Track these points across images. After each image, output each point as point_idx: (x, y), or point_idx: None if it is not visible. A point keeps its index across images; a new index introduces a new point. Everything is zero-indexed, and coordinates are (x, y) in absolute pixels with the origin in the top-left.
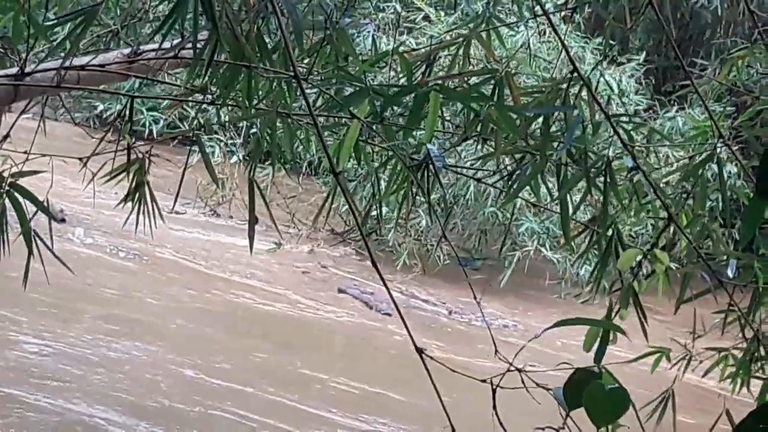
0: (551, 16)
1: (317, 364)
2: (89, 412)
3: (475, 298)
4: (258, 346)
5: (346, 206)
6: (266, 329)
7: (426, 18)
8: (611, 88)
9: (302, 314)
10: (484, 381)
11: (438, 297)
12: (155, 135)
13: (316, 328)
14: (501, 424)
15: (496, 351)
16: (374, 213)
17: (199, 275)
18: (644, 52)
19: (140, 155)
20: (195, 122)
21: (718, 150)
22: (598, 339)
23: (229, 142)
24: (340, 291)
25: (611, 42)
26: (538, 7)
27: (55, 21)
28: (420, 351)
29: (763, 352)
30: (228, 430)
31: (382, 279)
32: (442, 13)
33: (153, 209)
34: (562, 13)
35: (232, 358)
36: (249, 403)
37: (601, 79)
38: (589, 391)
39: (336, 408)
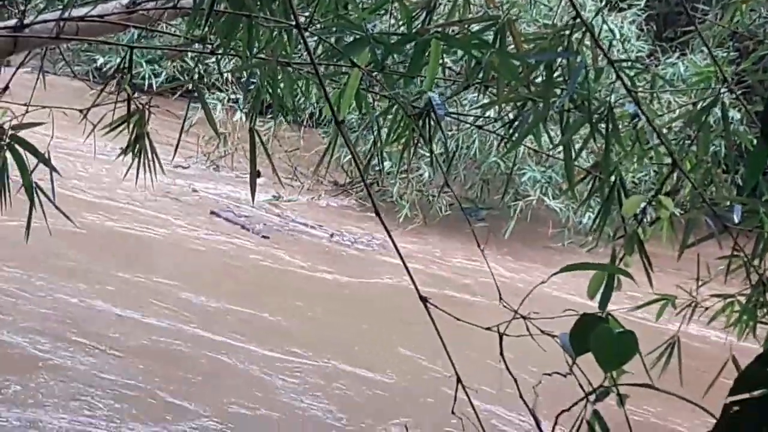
0: None
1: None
2: None
3: (478, 245)
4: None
5: (348, 157)
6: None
7: None
8: (613, 33)
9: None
10: (489, 329)
11: (320, 222)
12: (155, 88)
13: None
14: (508, 370)
15: (501, 298)
16: (375, 163)
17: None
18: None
19: (140, 106)
20: (196, 74)
21: (722, 95)
22: (603, 285)
23: (232, 97)
24: (212, 213)
25: None
26: None
27: None
28: (424, 300)
29: (767, 299)
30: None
31: (386, 228)
32: None
33: (153, 161)
34: None
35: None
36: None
37: (603, 25)
38: (597, 334)
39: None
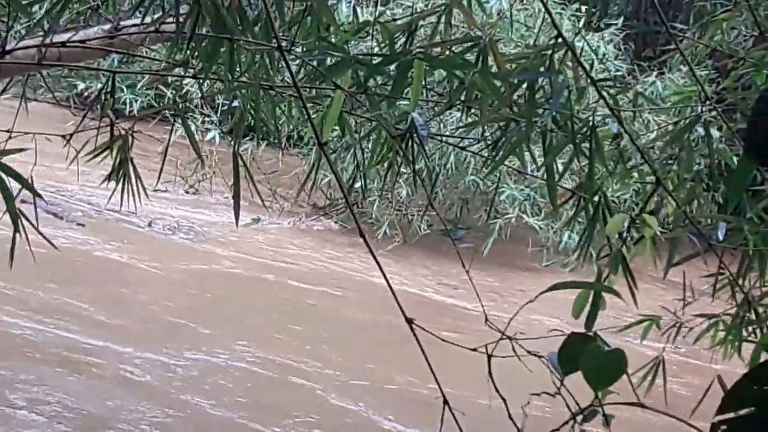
0: None
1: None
2: None
3: (463, 266)
4: None
5: (327, 179)
6: None
7: None
8: (595, 52)
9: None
10: (474, 350)
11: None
12: (136, 113)
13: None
14: (497, 390)
15: (487, 319)
16: (358, 185)
17: None
18: (622, 18)
19: (123, 132)
20: (176, 99)
21: (704, 113)
22: (589, 304)
23: (206, 119)
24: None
25: (591, 8)
26: None
27: None
28: (410, 321)
29: (753, 316)
30: None
31: (371, 250)
32: None
33: (137, 187)
34: None
35: None
36: None
37: (584, 45)
38: (587, 353)
39: None
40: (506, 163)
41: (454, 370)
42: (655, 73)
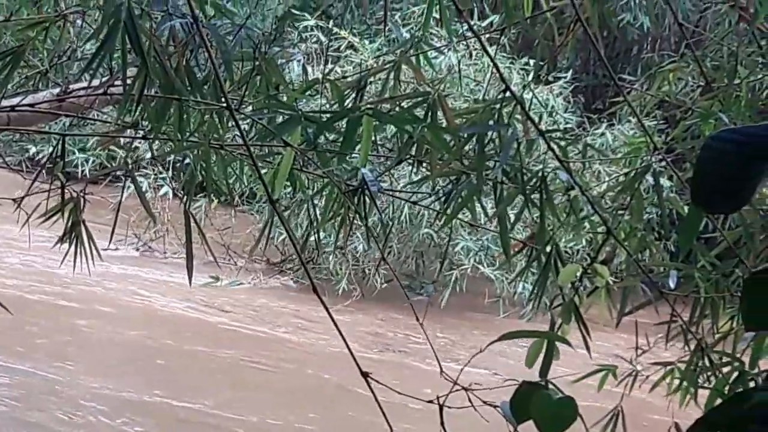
0: (480, 37)
1: None
2: None
3: (417, 320)
4: None
5: (282, 236)
6: None
7: (351, 46)
8: (544, 105)
9: None
10: (431, 402)
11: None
12: (87, 175)
13: None
14: None
15: (442, 371)
16: (312, 239)
17: None
18: (571, 71)
19: (74, 195)
20: (127, 159)
21: (653, 163)
22: (542, 354)
23: (159, 176)
24: None
25: (539, 62)
26: (466, 30)
27: None
28: (365, 375)
29: (707, 363)
30: None
31: (324, 305)
32: (366, 42)
33: (90, 248)
34: (486, 35)
35: None
36: None
37: (533, 98)
38: (537, 401)
39: None
40: (459, 215)
41: (412, 423)
42: (604, 124)
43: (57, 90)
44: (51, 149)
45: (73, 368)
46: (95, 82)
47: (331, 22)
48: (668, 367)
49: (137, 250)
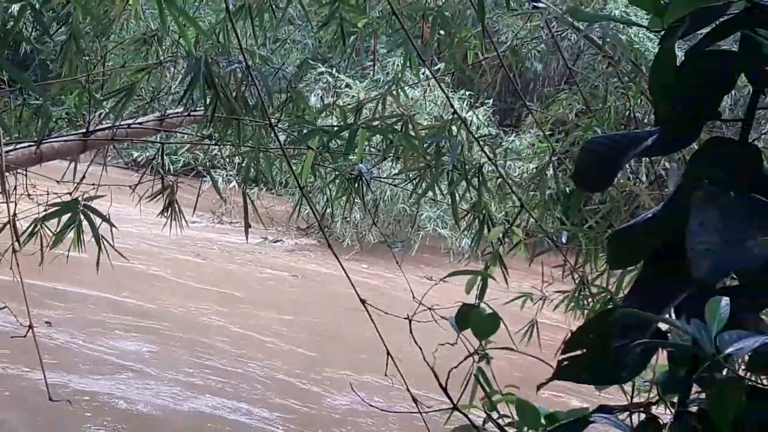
0: (431, 79)
1: None
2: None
3: (397, 262)
4: None
5: (307, 211)
6: None
7: (347, 85)
8: (476, 123)
9: None
10: (407, 317)
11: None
12: (178, 171)
13: None
14: (416, 342)
15: (414, 297)
16: (327, 212)
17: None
18: (491, 99)
19: (169, 184)
20: (205, 160)
21: (553, 160)
22: (479, 285)
23: (229, 174)
24: None
25: (470, 93)
26: (427, 73)
27: (107, 95)
28: (363, 301)
29: (588, 292)
30: None
31: (335, 254)
32: (357, 82)
33: (180, 219)
34: (439, 76)
35: None
36: None
37: (468, 117)
38: (473, 316)
39: None
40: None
41: (393, 333)
42: (513, 135)
43: (157, 114)
44: (154, 153)
45: (170, 290)
46: (182, 109)
47: (333, 69)
48: (564, 295)
49: (213, 222)
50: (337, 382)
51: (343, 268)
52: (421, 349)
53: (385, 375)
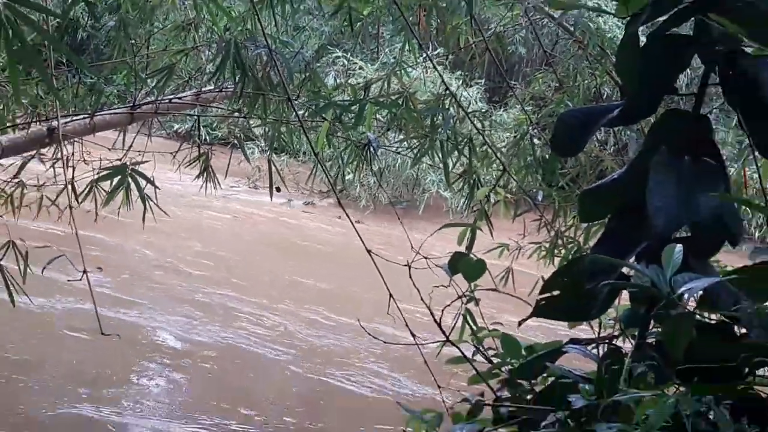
0: (432, 60)
1: None
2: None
3: (398, 218)
4: None
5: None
6: None
7: (360, 68)
8: (469, 99)
9: None
10: (406, 265)
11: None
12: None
13: None
14: (414, 286)
15: (412, 247)
16: (342, 176)
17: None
18: (483, 79)
19: (205, 151)
20: (239, 132)
21: (531, 129)
22: (468, 237)
23: (260, 146)
24: None
25: (464, 74)
26: (425, 56)
27: (151, 74)
28: (369, 251)
29: (560, 242)
30: None
31: (346, 213)
32: (368, 64)
33: (215, 183)
34: (436, 59)
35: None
36: None
37: (461, 94)
38: (463, 262)
39: None
40: (426, 160)
41: (396, 279)
42: (501, 110)
43: (194, 91)
44: (191, 125)
45: (210, 242)
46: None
47: (348, 53)
48: (538, 245)
49: (247, 186)
50: (346, 318)
51: (353, 224)
52: (419, 290)
53: (387, 313)
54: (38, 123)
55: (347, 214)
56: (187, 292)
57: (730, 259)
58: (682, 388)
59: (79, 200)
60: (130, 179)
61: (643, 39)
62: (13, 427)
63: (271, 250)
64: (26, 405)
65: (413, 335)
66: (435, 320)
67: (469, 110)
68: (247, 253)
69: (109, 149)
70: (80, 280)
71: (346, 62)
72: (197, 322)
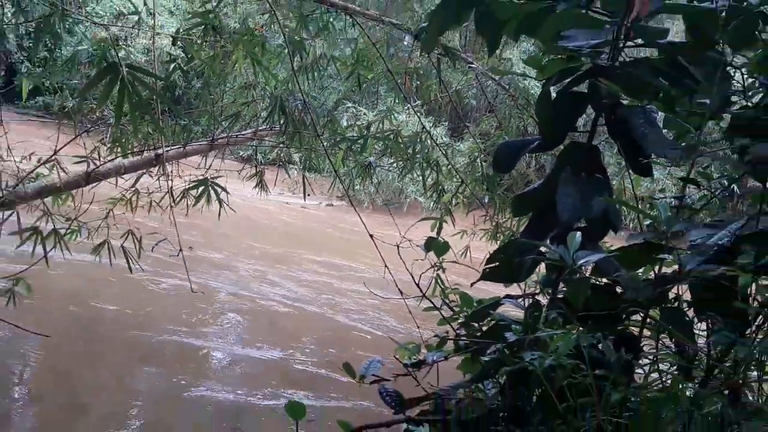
0: (413, 108)
1: None
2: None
3: (390, 214)
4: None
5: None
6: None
7: (364, 113)
8: (437, 136)
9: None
10: (396, 245)
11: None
12: (264, 163)
13: None
14: (400, 257)
15: (400, 233)
16: (352, 186)
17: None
18: (447, 122)
19: (260, 170)
20: (281, 155)
21: (481, 155)
22: (437, 227)
23: (298, 165)
24: None
25: (434, 118)
26: (407, 106)
27: (224, 118)
28: (371, 236)
29: (500, 230)
30: None
31: (356, 210)
32: (370, 112)
33: (266, 190)
34: (416, 108)
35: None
36: None
37: (432, 131)
38: (434, 243)
39: None
40: (409, 176)
41: (389, 256)
42: (459, 142)
43: (253, 129)
44: (251, 152)
45: (250, 234)
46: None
47: (356, 104)
48: (485, 231)
49: (289, 193)
50: (354, 284)
51: (361, 219)
52: (404, 262)
53: (383, 278)
54: (148, 151)
55: (356, 211)
56: (248, 263)
57: (613, 241)
58: (581, 329)
59: (176, 202)
60: (210, 188)
61: (554, 95)
62: (130, 347)
63: (305, 235)
64: (136, 334)
65: (401, 292)
66: (415, 282)
67: (438, 142)
68: (287, 236)
69: (195, 168)
70: (177, 255)
71: (354, 110)
72: (256, 284)
